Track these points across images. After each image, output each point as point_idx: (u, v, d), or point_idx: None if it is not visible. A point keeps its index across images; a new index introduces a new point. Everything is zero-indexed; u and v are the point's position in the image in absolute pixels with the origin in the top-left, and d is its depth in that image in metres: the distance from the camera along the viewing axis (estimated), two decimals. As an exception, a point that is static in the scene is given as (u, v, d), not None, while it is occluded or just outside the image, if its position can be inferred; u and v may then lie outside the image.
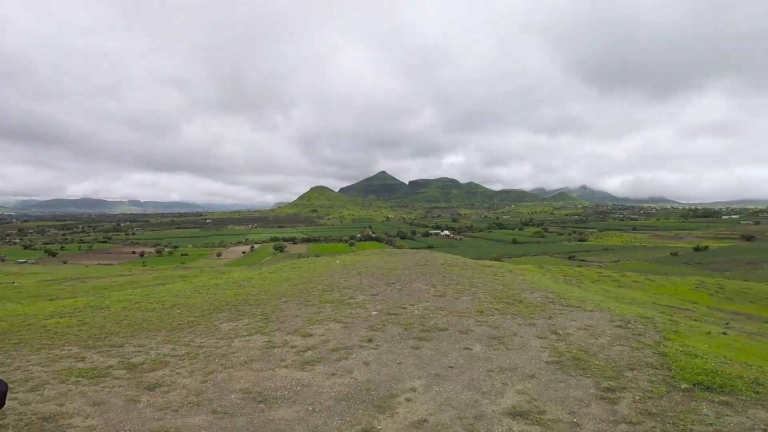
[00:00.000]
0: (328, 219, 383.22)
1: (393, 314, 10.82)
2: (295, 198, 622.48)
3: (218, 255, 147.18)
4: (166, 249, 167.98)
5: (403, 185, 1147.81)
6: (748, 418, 4.98)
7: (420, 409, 5.67)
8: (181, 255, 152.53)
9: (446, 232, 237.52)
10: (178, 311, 12.27)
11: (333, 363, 7.53)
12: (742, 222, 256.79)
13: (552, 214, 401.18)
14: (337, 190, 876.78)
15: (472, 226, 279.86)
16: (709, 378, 6.05)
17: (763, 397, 5.50)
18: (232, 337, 9.38)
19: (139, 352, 8.53)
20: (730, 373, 6.20)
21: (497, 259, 64.00)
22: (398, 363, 7.41)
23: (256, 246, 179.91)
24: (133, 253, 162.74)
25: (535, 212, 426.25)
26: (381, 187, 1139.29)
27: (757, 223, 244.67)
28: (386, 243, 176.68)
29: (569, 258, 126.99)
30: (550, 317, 10.26)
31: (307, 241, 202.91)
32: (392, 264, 21.04)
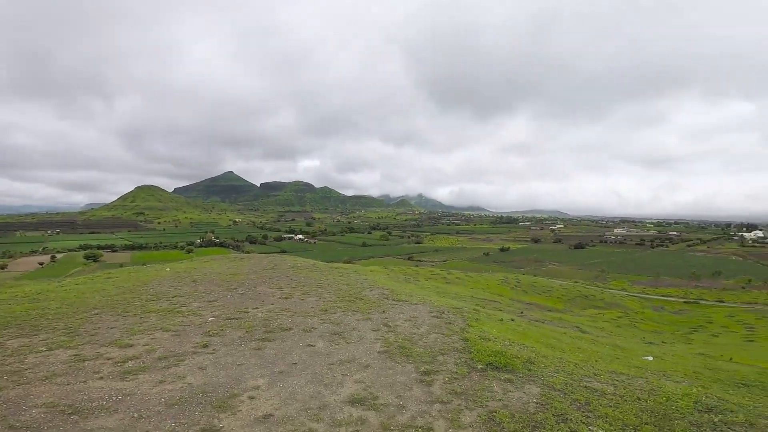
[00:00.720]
0: (159, 223, 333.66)
1: (233, 319, 10.44)
2: (114, 198, 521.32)
3: (2, 268, 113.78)
4: None
5: (253, 187, 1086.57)
6: (524, 393, 6.33)
7: (264, 404, 5.77)
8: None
9: (300, 236, 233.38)
10: (-65, 336, 9.39)
11: (161, 371, 6.96)
12: (532, 228, 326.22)
13: (395, 219, 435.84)
14: (171, 190, 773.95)
15: (326, 230, 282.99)
16: (497, 359, 7.51)
17: (535, 374, 7.10)
18: (25, 353, 7.83)
19: None
20: (511, 354, 7.84)
21: (349, 262, 66.50)
22: (239, 365, 7.27)
23: (59, 256, 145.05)
24: None
25: (382, 217, 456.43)
26: (227, 188, 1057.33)
27: (542, 229, 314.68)
28: (233, 248, 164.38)
29: (408, 258, 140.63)
30: (383, 311, 11.42)
31: (131, 248, 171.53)
32: (235, 269, 20.01)
